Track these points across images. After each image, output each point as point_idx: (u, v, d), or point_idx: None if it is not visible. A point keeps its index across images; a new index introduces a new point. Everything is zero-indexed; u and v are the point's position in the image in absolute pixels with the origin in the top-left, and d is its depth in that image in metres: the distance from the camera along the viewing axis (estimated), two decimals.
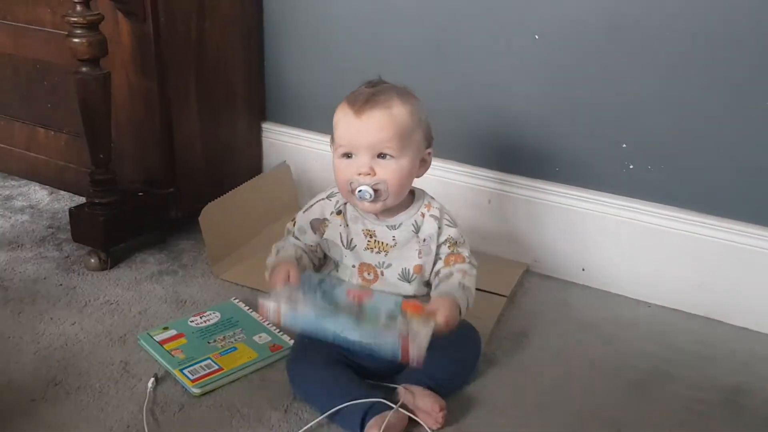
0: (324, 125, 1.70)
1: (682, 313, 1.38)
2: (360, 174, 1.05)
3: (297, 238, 1.13)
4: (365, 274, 1.10)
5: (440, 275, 1.11)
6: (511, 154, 1.49)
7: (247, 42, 1.67)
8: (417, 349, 0.96)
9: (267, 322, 1.27)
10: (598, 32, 1.34)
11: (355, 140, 1.05)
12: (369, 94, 1.05)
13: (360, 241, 1.10)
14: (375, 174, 1.05)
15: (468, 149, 1.53)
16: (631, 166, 1.38)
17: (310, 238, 1.12)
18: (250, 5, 1.66)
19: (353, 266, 1.10)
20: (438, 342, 1.00)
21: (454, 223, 1.13)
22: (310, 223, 1.12)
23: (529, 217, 1.50)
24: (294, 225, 1.14)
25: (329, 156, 1.67)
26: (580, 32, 1.35)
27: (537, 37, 1.40)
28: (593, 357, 1.24)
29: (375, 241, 1.09)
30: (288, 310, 1.00)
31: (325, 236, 1.10)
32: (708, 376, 1.20)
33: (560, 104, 1.42)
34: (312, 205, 1.14)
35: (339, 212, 1.11)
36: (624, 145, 1.37)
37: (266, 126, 1.78)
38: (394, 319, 1.00)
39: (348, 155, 1.07)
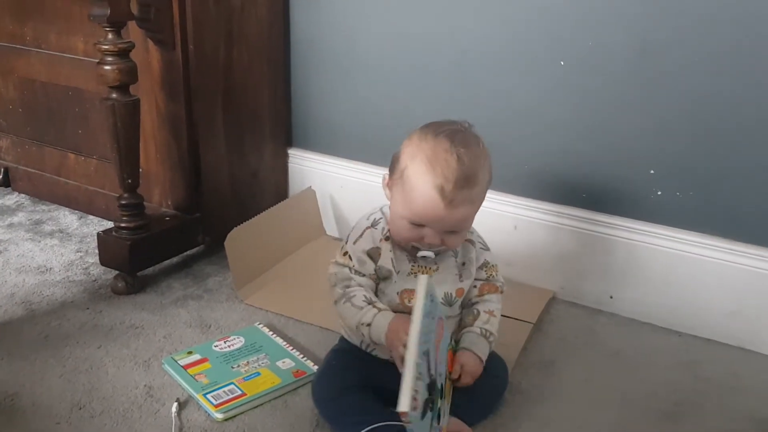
0: (349, 151, 1.72)
1: (714, 343, 1.35)
2: (428, 243, 1.04)
3: (358, 271, 1.08)
4: (406, 301, 1.08)
5: (470, 309, 1.12)
6: (538, 179, 1.48)
7: (273, 69, 1.69)
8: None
9: (291, 348, 1.26)
10: (625, 57, 1.33)
11: (435, 223, 1.03)
12: (462, 180, 1.00)
13: (405, 267, 1.09)
14: (443, 243, 1.05)
15: (494, 175, 1.52)
16: (660, 192, 1.37)
17: (371, 267, 1.08)
18: (277, 33, 1.68)
19: (397, 293, 1.09)
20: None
21: (486, 246, 1.15)
22: (368, 253, 1.08)
23: (555, 244, 1.48)
24: (350, 259, 1.08)
25: (354, 181, 1.71)
26: (606, 58, 1.35)
27: (562, 63, 1.40)
28: (622, 387, 1.22)
29: (419, 266, 1.09)
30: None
31: (379, 263, 1.08)
32: (740, 408, 1.17)
33: (586, 130, 1.41)
34: (361, 235, 1.10)
35: (387, 238, 1.09)
36: (652, 171, 1.36)
37: (292, 152, 1.80)
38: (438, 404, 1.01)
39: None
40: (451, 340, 1.07)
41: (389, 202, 1.10)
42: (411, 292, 1.08)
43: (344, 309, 1.06)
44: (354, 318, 1.05)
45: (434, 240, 1.04)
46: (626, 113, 1.36)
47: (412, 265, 1.09)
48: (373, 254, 1.08)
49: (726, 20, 1.23)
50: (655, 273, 1.39)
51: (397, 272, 1.08)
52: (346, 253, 1.09)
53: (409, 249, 1.07)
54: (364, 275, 1.08)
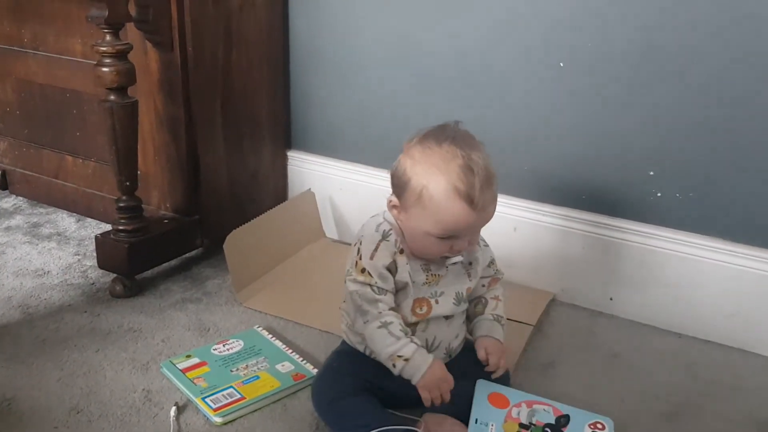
0: (348, 153, 1.72)
1: (714, 344, 1.35)
2: (457, 250, 1.05)
3: (382, 288, 1.06)
4: (417, 309, 1.08)
5: (478, 298, 1.16)
6: (537, 181, 1.48)
7: (272, 70, 1.68)
8: None
9: (290, 351, 1.26)
10: (625, 59, 1.33)
11: (468, 230, 1.03)
12: (485, 183, 1.00)
13: (419, 277, 1.08)
14: (468, 244, 1.06)
15: None
16: (659, 194, 1.36)
17: (391, 282, 1.07)
18: (276, 35, 1.67)
19: (410, 304, 1.08)
20: (464, 370, 1.05)
21: (485, 242, 1.16)
22: (387, 267, 1.06)
23: (555, 246, 1.48)
24: (371, 276, 1.04)
25: (353, 184, 1.70)
26: (606, 59, 1.35)
27: (562, 64, 1.39)
28: (622, 388, 1.22)
29: (432, 274, 1.09)
30: None
31: (397, 277, 1.07)
32: (741, 409, 1.17)
33: (586, 131, 1.40)
34: (376, 249, 1.06)
35: (401, 251, 1.07)
36: (651, 173, 1.36)
37: (291, 154, 1.79)
38: None
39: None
40: None
41: (394, 218, 1.08)
42: (422, 300, 1.08)
43: (378, 334, 1.03)
44: (389, 347, 1.02)
45: (464, 246, 1.05)
46: (625, 114, 1.36)
47: (427, 275, 1.09)
48: (392, 268, 1.06)
49: (726, 22, 1.23)
50: (654, 274, 1.39)
51: (413, 283, 1.08)
52: (364, 270, 1.05)
53: (437, 260, 1.07)
54: (386, 291, 1.06)
